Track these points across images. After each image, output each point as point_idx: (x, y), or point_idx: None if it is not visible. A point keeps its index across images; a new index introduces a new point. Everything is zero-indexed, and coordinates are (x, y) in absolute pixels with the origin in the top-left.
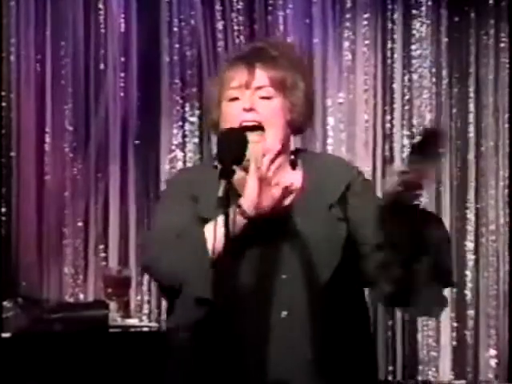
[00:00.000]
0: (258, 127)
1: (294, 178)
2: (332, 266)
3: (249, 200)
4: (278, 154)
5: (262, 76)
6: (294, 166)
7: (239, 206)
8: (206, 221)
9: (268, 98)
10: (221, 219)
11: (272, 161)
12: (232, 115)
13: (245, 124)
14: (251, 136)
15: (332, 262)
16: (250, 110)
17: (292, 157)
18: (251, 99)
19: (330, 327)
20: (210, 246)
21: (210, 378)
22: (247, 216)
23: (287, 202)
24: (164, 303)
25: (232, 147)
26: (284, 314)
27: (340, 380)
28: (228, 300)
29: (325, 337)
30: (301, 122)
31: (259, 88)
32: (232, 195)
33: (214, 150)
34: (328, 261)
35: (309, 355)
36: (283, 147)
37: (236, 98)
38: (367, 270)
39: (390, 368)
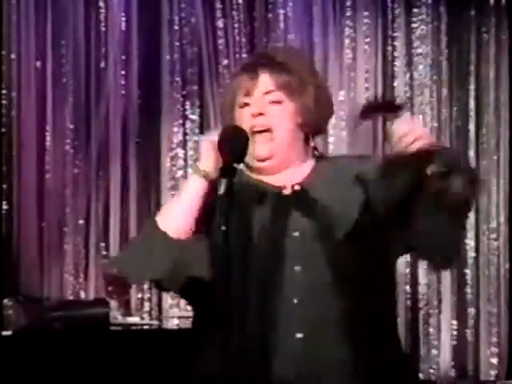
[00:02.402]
0: (265, 130)
1: (304, 166)
2: (348, 225)
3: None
4: (287, 155)
5: (267, 81)
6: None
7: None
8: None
9: (278, 102)
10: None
11: None
12: (242, 121)
13: (255, 130)
14: (258, 137)
15: (348, 222)
16: (259, 114)
17: (312, 159)
18: (260, 104)
19: (344, 293)
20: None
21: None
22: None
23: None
24: (164, 302)
25: (233, 145)
26: (297, 268)
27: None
28: (239, 262)
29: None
30: (314, 125)
31: (267, 93)
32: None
33: None
34: (344, 221)
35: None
36: (293, 150)
37: (246, 104)
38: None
39: None
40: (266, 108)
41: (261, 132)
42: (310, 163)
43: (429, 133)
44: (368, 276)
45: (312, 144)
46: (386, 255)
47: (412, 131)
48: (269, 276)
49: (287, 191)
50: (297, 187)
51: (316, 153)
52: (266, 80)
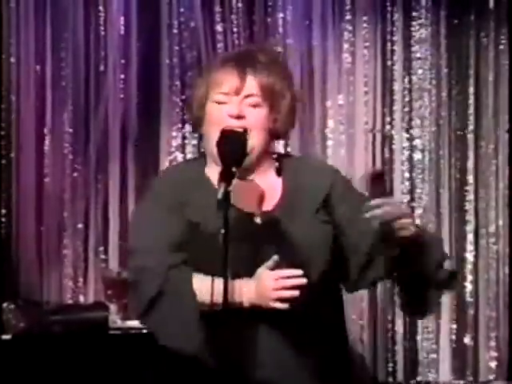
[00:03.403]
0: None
1: (274, 185)
2: (320, 268)
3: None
4: (258, 158)
5: (252, 84)
6: (278, 172)
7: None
8: (196, 225)
9: (255, 106)
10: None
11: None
12: (218, 118)
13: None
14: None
15: (320, 264)
16: (238, 117)
17: (276, 164)
18: (239, 106)
19: (313, 327)
20: (204, 298)
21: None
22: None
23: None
24: None
25: (232, 149)
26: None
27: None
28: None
29: (307, 337)
30: (282, 131)
31: (248, 96)
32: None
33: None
34: (316, 264)
35: (292, 355)
36: (264, 153)
37: (223, 102)
38: (349, 269)
39: (390, 369)
40: (245, 111)
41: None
42: (277, 179)
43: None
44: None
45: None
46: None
47: (410, 217)
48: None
49: (258, 220)
50: (267, 216)
51: (275, 157)
52: (251, 83)
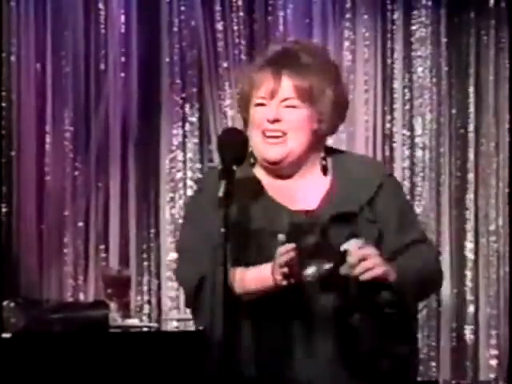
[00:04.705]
0: (278, 136)
1: (321, 183)
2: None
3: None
4: (300, 158)
5: (288, 87)
6: (324, 171)
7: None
8: (242, 223)
9: (293, 107)
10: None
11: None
12: (258, 122)
13: (267, 133)
14: (271, 139)
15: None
16: (275, 121)
17: (324, 162)
18: (276, 110)
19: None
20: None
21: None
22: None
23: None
24: (164, 304)
25: (233, 147)
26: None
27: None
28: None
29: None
30: (329, 129)
31: (285, 99)
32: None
33: (215, 151)
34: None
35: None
36: (307, 153)
37: (262, 104)
38: None
39: None
40: (282, 114)
41: (273, 137)
42: (325, 177)
43: (380, 263)
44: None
45: (323, 144)
46: None
47: (364, 261)
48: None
49: (300, 218)
50: (313, 216)
51: (327, 154)
52: (287, 86)
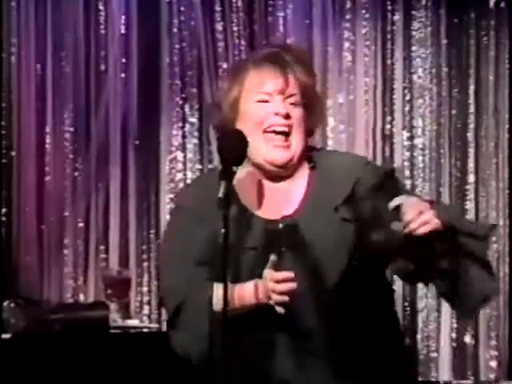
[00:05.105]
0: (285, 132)
1: (297, 187)
2: (339, 269)
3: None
4: (298, 161)
5: (294, 83)
6: (313, 169)
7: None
8: (213, 236)
9: (296, 105)
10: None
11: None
12: (262, 117)
13: (274, 128)
14: (274, 139)
15: (338, 266)
16: (287, 115)
17: (311, 164)
18: (283, 105)
19: (344, 330)
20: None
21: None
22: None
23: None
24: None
25: (232, 148)
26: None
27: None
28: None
29: (338, 339)
30: (314, 129)
31: (291, 96)
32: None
33: (215, 152)
34: (335, 264)
35: (320, 360)
36: (303, 154)
37: (265, 101)
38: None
39: None
40: (290, 110)
41: (278, 133)
42: (303, 179)
43: (434, 216)
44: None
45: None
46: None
47: (418, 217)
48: None
49: (278, 226)
50: (287, 222)
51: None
52: (292, 82)
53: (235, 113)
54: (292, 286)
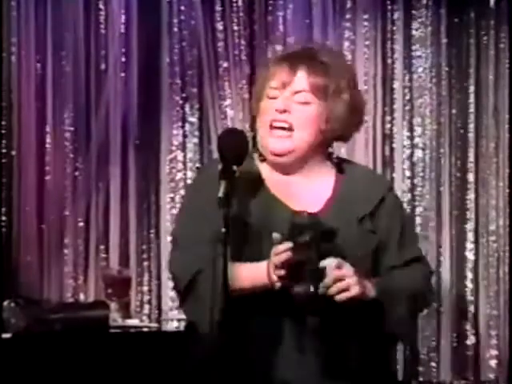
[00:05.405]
0: (285, 127)
1: (326, 187)
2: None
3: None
4: (304, 156)
5: (302, 80)
6: (339, 169)
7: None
8: (241, 219)
9: (305, 103)
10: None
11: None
12: (266, 113)
13: (275, 124)
14: (276, 132)
15: (361, 268)
16: (284, 111)
17: (335, 167)
18: (286, 101)
19: (356, 330)
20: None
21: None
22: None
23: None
24: (164, 304)
25: (233, 147)
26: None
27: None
28: (251, 309)
29: (351, 340)
30: (339, 132)
31: (297, 92)
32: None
33: (215, 151)
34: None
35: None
36: (312, 152)
37: (274, 97)
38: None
39: None
40: (292, 106)
41: (280, 128)
42: (329, 181)
43: (356, 283)
44: None
45: (330, 149)
46: None
47: (339, 282)
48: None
49: (302, 219)
50: (313, 216)
51: (333, 159)
52: (301, 79)
53: (258, 108)
54: (285, 255)
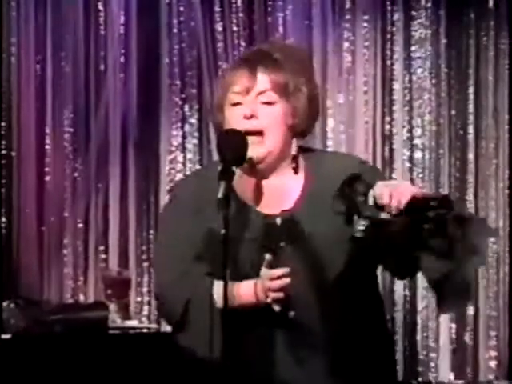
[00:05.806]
0: (256, 132)
1: (294, 183)
2: (338, 263)
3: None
4: (278, 157)
5: (263, 80)
6: (296, 170)
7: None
8: (210, 230)
9: (270, 103)
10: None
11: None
12: (233, 121)
13: (245, 130)
14: (250, 138)
15: (340, 264)
16: (251, 116)
17: (293, 165)
18: (252, 106)
19: (343, 326)
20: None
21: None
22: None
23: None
24: None
25: (232, 148)
26: (291, 314)
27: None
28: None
29: (336, 336)
30: (303, 127)
31: (261, 93)
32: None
33: (214, 152)
34: (333, 259)
35: (317, 356)
36: (284, 151)
37: (238, 103)
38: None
39: None
40: (258, 110)
41: (251, 134)
42: (299, 178)
43: (408, 186)
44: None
45: (296, 143)
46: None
47: (391, 193)
48: None
49: (276, 220)
50: (285, 216)
51: (300, 154)
52: (262, 79)
53: (222, 117)
54: (286, 281)
